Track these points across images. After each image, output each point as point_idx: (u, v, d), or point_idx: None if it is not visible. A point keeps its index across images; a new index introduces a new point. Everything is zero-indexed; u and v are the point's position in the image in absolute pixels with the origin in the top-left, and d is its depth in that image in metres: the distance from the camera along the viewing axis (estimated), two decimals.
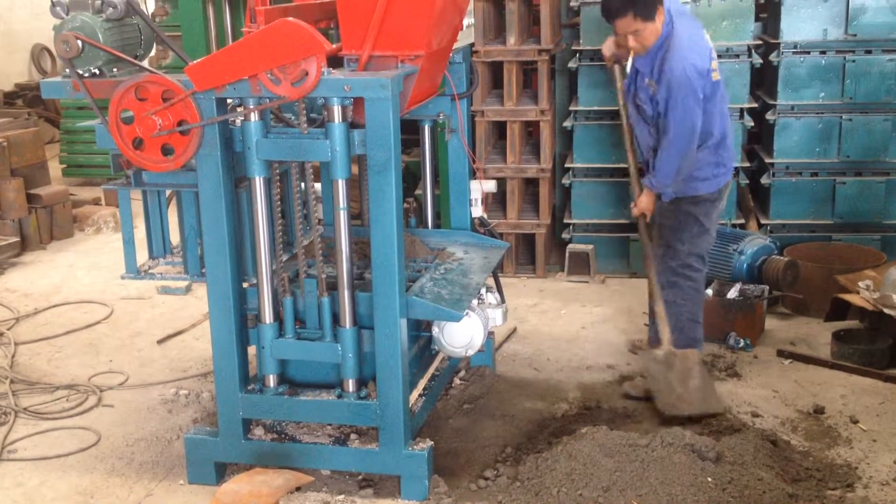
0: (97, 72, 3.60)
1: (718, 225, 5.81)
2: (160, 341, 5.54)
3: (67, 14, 3.59)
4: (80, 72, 3.57)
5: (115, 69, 3.66)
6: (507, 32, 6.24)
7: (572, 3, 6.39)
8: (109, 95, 3.55)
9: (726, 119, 4.55)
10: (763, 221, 6.22)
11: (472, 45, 5.98)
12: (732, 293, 5.36)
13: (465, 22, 4.34)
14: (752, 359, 5.06)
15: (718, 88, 4.43)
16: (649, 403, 4.49)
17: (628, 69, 4.52)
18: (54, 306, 6.16)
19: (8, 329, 5.72)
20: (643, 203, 4.60)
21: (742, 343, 5.16)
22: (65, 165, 9.68)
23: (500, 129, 6.73)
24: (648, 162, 4.56)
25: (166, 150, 3.58)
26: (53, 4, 3.60)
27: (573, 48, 6.33)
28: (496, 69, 6.49)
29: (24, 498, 3.92)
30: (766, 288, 5.42)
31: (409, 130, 4.60)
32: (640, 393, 4.61)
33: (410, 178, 6.61)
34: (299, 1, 4.18)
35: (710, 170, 4.50)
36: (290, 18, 3.44)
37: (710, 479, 3.62)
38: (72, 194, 8.22)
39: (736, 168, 6.10)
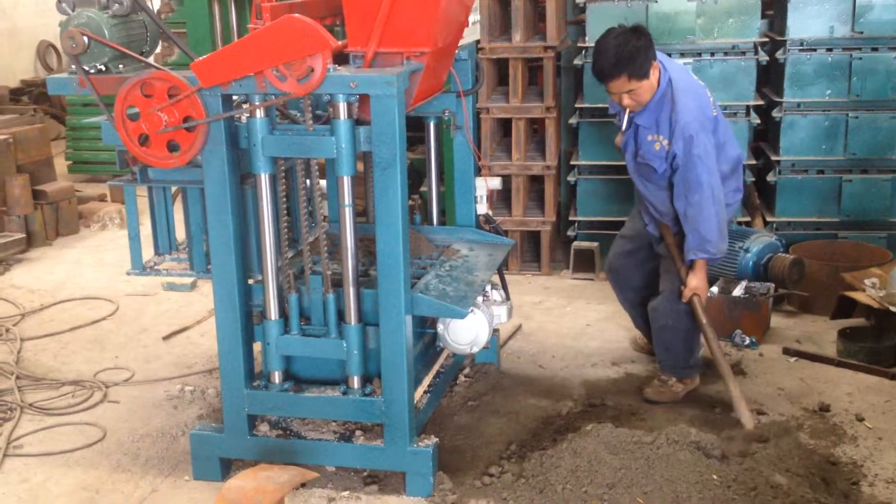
0: (103, 68, 3.61)
1: None
2: (166, 338, 5.55)
3: (73, 10, 3.60)
4: (86, 68, 3.58)
5: (120, 65, 3.67)
6: (512, 29, 6.23)
7: (578, 0, 6.37)
8: (115, 92, 3.55)
9: (733, 144, 4.47)
10: (769, 219, 6.21)
11: (478, 41, 5.98)
12: (738, 291, 5.35)
13: (471, 19, 4.32)
14: (757, 356, 5.05)
15: (719, 122, 4.34)
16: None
17: (624, 125, 4.35)
18: (60, 302, 6.17)
19: (14, 325, 5.73)
20: (694, 282, 4.31)
21: (748, 341, 5.15)
22: (70, 162, 9.69)
23: (505, 126, 6.73)
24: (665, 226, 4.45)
25: (172, 147, 3.58)
26: (59, 1, 3.61)
27: (579, 45, 6.31)
28: (502, 66, 6.48)
29: (29, 494, 3.92)
30: (772, 286, 5.40)
31: (415, 127, 4.60)
32: (664, 398, 4.54)
33: (416, 175, 6.61)
34: None
35: (730, 196, 4.44)
36: (296, 15, 3.44)
37: (715, 477, 3.62)
38: (77, 191, 8.24)
39: (742, 166, 6.09)
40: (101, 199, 8.59)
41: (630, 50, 4.09)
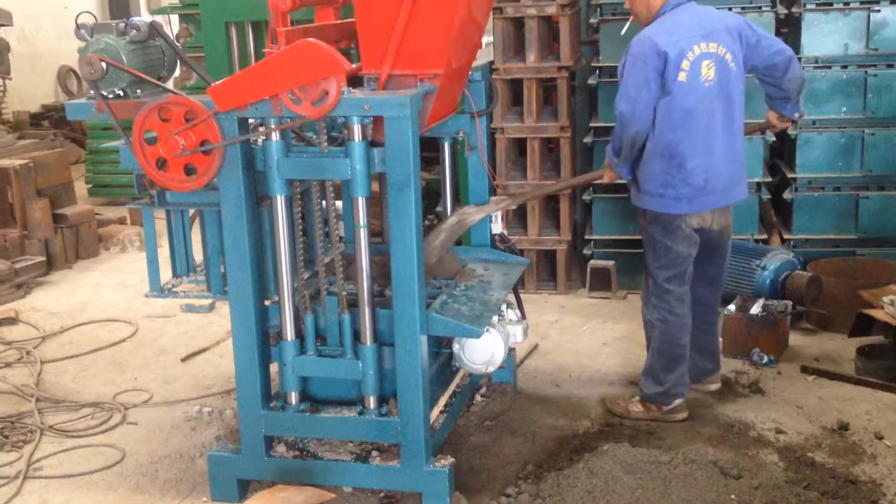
0: (121, 93, 3.65)
1: (740, 241, 5.83)
2: (184, 359, 5.58)
3: (91, 36, 3.65)
4: (105, 93, 3.63)
5: (138, 90, 3.72)
6: (526, 50, 6.27)
7: (592, 21, 6.40)
8: (133, 116, 3.60)
9: (698, 142, 4.17)
10: (786, 236, 6.19)
11: (492, 62, 6.01)
12: (755, 309, 5.33)
13: (485, 40, 4.35)
14: (775, 375, 5.02)
15: (693, 94, 4.13)
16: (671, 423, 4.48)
17: None
18: (80, 325, 6.22)
19: (34, 348, 5.78)
20: (607, 172, 4.54)
21: (766, 359, 5.13)
22: (90, 185, 9.79)
23: (520, 146, 6.75)
24: None
25: (189, 170, 3.62)
26: (78, 27, 3.67)
27: (593, 65, 6.34)
28: (516, 86, 6.51)
29: None
30: (790, 303, 5.39)
31: (431, 148, 4.62)
32: (614, 408, 4.59)
33: (434, 195, 6.63)
34: (319, 21, 4.22)
35: (657, 186, 4.23)
36: (311, 39, 3.48)
37: (733, 497, 3.60)
38: (97, 214, 8.31)
39: (758, 183, 6.10)
40: (121, 221, 8.67)
41: None
